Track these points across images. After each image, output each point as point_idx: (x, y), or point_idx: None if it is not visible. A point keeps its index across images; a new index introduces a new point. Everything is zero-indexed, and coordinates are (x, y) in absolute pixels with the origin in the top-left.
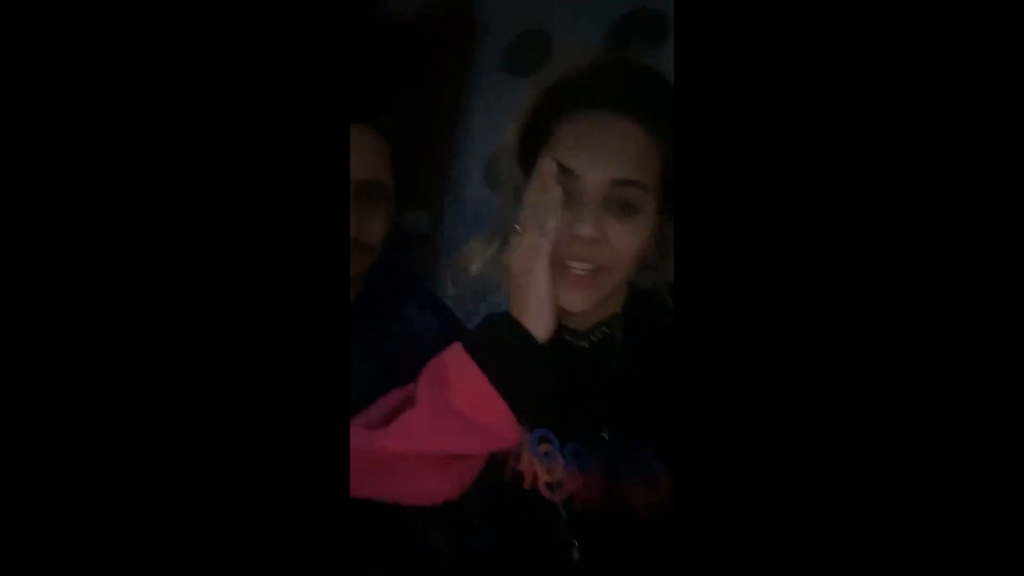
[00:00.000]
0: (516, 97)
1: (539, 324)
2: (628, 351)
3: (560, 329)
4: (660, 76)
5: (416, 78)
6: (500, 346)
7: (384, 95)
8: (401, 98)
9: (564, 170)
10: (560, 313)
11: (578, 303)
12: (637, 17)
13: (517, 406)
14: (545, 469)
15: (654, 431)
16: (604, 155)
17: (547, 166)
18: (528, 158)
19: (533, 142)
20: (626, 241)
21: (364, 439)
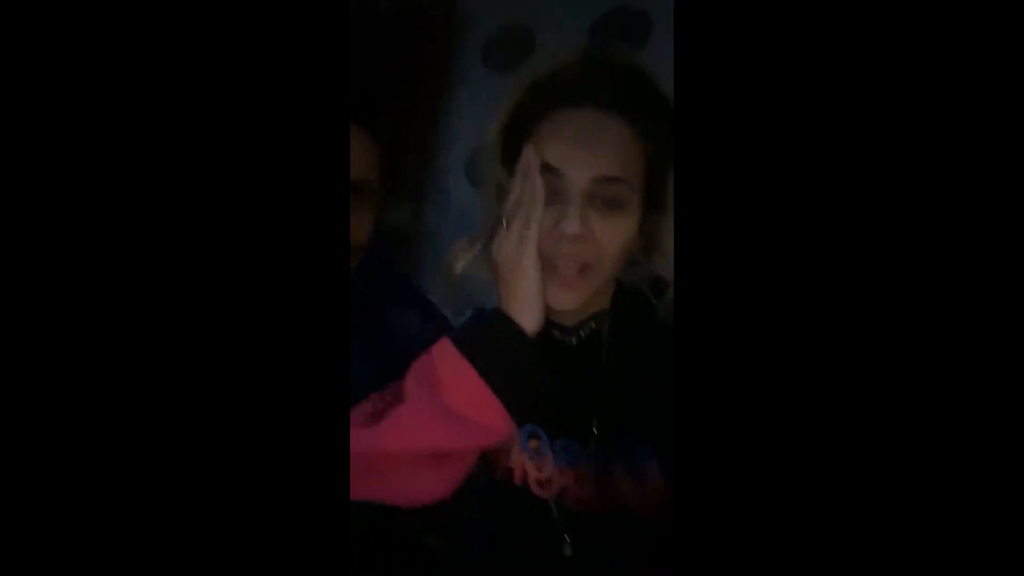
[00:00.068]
0: (498, 92)
1: (528, 318)
2: (616, 347)
3: (548, 325)
4: (643, 73)
5: (396, 72)
6: (489, 340)
7: (367, 91)
8: (382, 94)
9: (548, 168)
10: (548, 310)
11: (567, 301)
12: (619, 15)
13: (508, 400)
14: (535, 466)
15: (643, 426)
16: (587, 152)
17: (530, 156)
18: (511, 156)
19: (516, 140)
20: (612, 237)
21: (353, 438)
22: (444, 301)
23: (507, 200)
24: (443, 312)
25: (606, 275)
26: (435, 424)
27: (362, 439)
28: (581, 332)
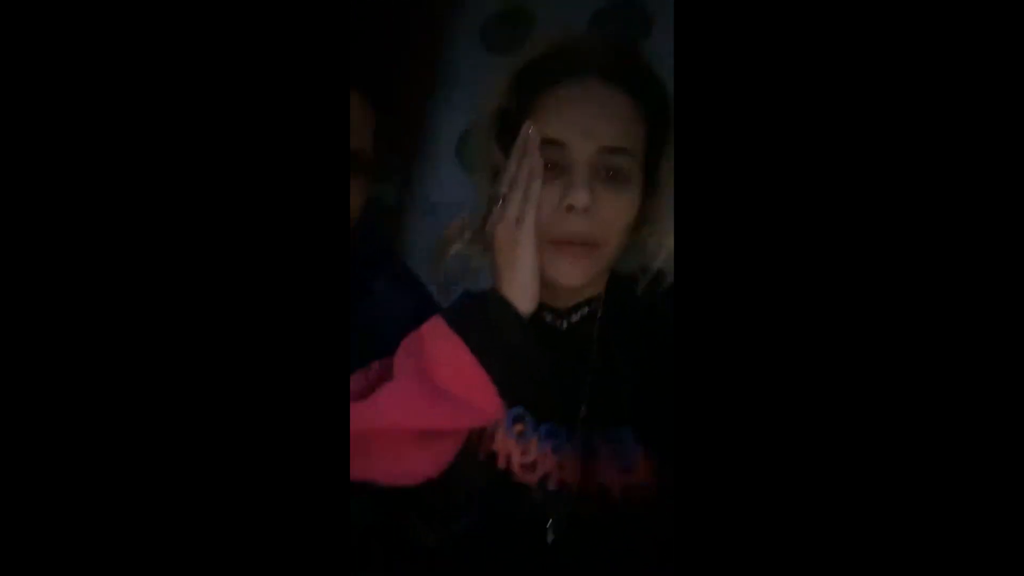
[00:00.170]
0: (494, 73)
1: (523, 298)
2: (607, 333)
3: (540, 307)
4: (643, 57)
5: (392, 44)
6: (483, 320)
7: (365, 58)
8: (379, 63)
9: (550, 142)
10: (542, 292)
11: (574, 276)
12: (621, 7)
13: (500, 381)
14: (519, 449)
15: (631, 413)
16: (593, 123)
17: (529, 132)
18: (507, 135)
19: (512, 119)
20: (616, 212)
21: None
22: (432, 280)
23: (502, 178)
24: (430, 290)
25: (611, 251)
26: (424, 402)
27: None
28: (573, 316)
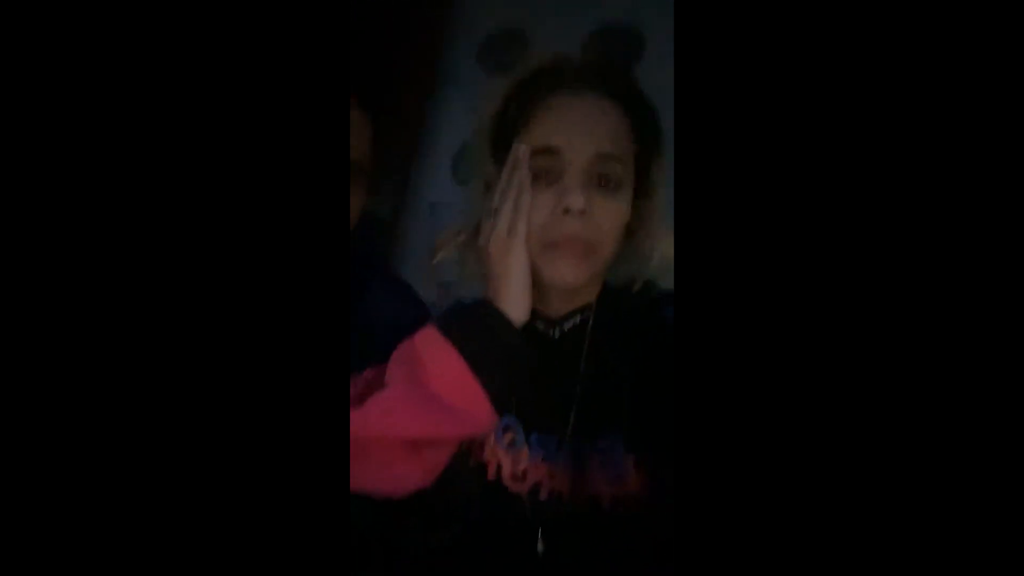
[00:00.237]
0: (489, 92)
1: (516, 308)
2: (599, 342)
3: (532, 316)
4: (632, 74)
5: (388, 62)
6: (476, 329)
7: (365, 71)
8: (379, 77)
9: (545, 149)
10: (534, 300)
11: (571, 277)
12: (615, 31)
13: (492, 390)
14: (510, 459)
15: (622, 422)
16: (586, 130)
17: (520, 151)
18: (502, 150)
19: (508, 133)
20: (610, 215)
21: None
22: (424, 291)
23: (494, 192)
24: (423, 300)
25: (605, 254)
26: (417, 411)
27: None
28: (565, 325)
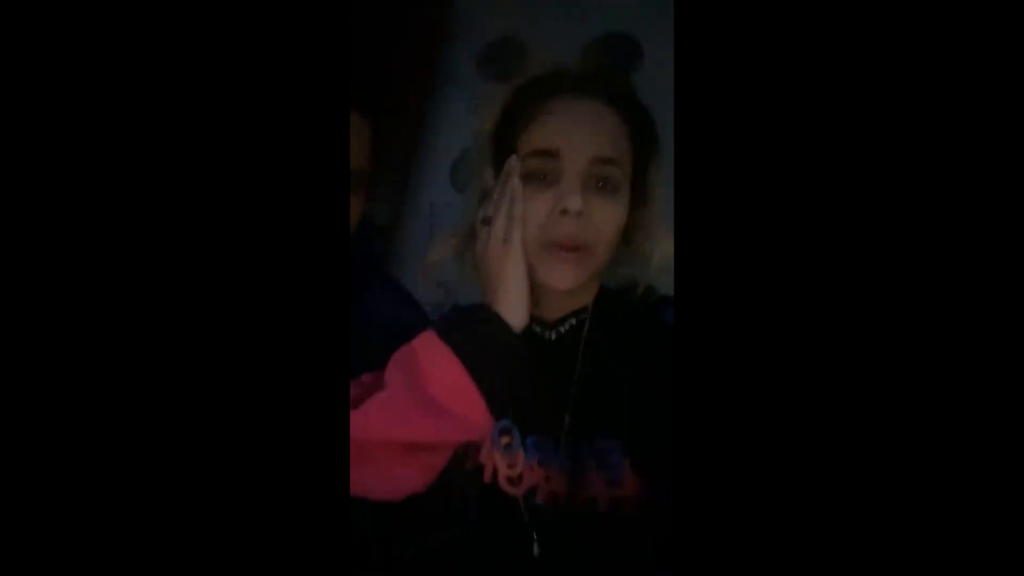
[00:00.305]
0: (488, 99)
1: (515, 313)
2: (594, 345)
3: (528, 319)
4: (630, 82)
5: (389, 66)
6: (475, 334)
7: (365, 79)
8: (379, 85)
9: (544, 152)
10: (532, 303)
11: (565, 280)
12: (613, 40)
13: (490, 396)
14: (506, 462)
15: (618, 426)
16: (586, 133)
17: (512, 162)
18: (501, 158)
19: (508, 138)
20: (606, 218)
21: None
22: (422, 294)
23: (489, 202)
24: (421, 304)
25: (600, 257)
26: (414, 415)
27: None
28: (561, 328)
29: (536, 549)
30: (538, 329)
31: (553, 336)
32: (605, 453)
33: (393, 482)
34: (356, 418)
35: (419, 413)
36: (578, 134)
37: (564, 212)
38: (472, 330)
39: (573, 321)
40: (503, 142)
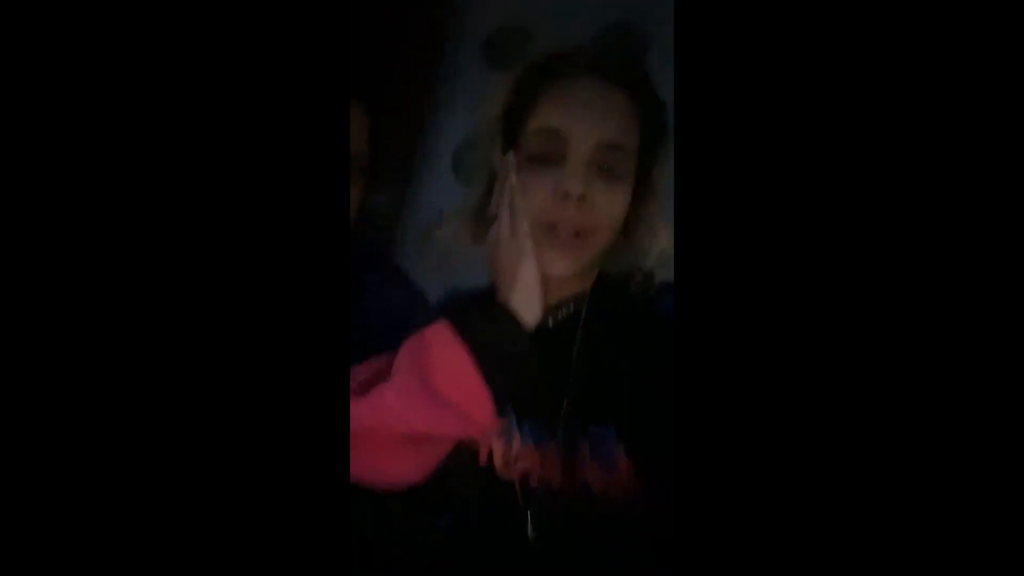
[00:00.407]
0: (493, 87)
1: (529, 311)
2: (592, 331)
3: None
4: (642, 64)
5: (391, 53)
6: (488, 329)
7: (362, 65)
8: (377, 70)
9: (551, 132)
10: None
11: (562, 267)
12: (618, 30)
13: (496, 393)
14: (501, 446)
15: (613, 412)
16: (593, 117)
17: (509, 159)
18: (509, 141)
19: (517, 120)
20: (610, 205)
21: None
22: (421, 279)
23: (493, 198)
24: (420, 288)
25: (599, 244)
26: (420, 407)
27: None
28: (559, 314)
29: (531, 531)
30: None
31: (550, 322)
32: (600, 438)
33: (391, 471)
34: (361, 405)
35: (425, 405)
36: (586, 116)
37: (566, 196)
38: (486, 327)
39: (571, 307)
40: (512, 123)
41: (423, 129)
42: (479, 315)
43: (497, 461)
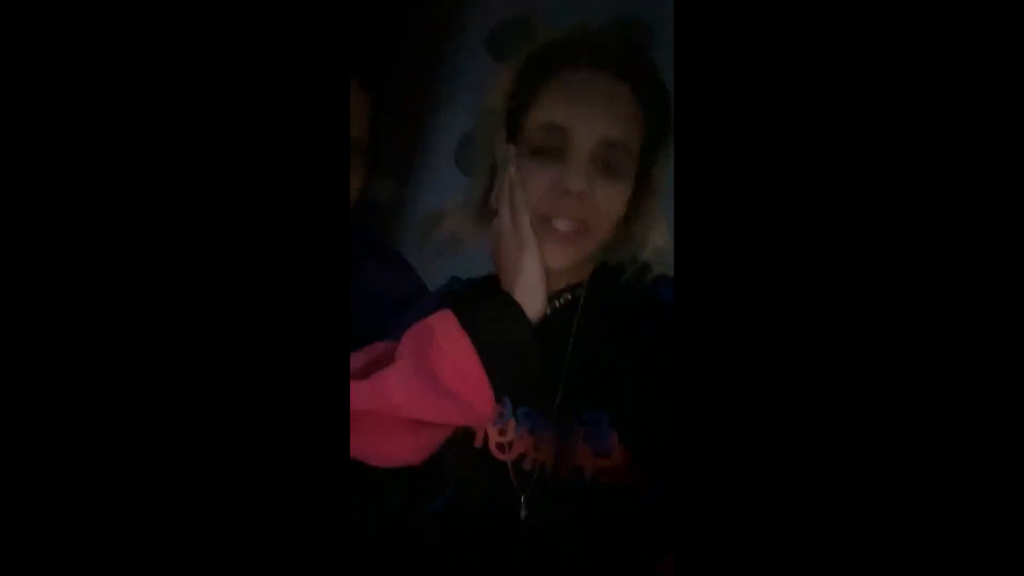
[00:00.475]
0: (497, 71)
1: (533, 304)
2: (588, 320)
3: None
4: (648, 51)
5: (394, 38)
6: (492, 324)
7: (364, 47)
8: (379, 54)
9: (553, 127)
10: None
11: (559, 260)
12: (622, 24)
13: (497, 384)
14: (497, 429)
15: (607, 400)
16: (596, 113)
17: (510, 152)
18: (512, 131)
19: (519, 111)
20: (610, 201)
21: None
22: (421, 267)
23: (493, 193)
24: (420, 276)
25: (598, 239)
26: (421, 394)
27: None
28: (556, 302)
29: (523, 512)
30: None
31: (548, 310)
32: (594, 425)
33: (390, 453)
34: (363, 388)
35: (426, 392)
36: (590, 112)
37: (566, 192)
38: (490, 318)
39: (568, 296)
40: (514, 115)
41: (425, 118)
42: (483, 305)
43: (492, 444)
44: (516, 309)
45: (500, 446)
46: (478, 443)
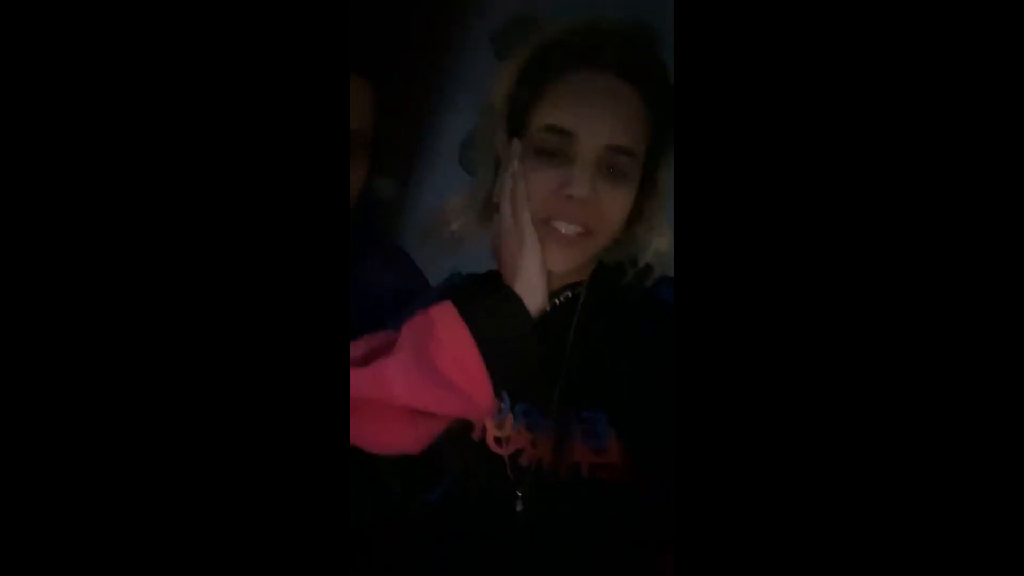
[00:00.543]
0: (501, 69)
1: (534, 296)
2: (588, 318)
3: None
4: (648, 40)
5: (394, 35)
6: (493, 316)
7: (367, 40)
8: (382, 48)
9: (559, 130)
10: None
11: (560, 263)
12: (634, 25)
13: (496, 376)
14: (495, 424)
15: (606, 398)
16: (602, 118)
17: (514, 146)
18: (515, 127)
19: (522, 109)
20: (614, 206)
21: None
22: (423, 261)
23: (495, 188)
24: (422, 270)
25: (602, 244)
26: (421, 384)
27: None
28: (557, 300)
29: (519, 505)
30: None
31: (548, 308)
32: (592, 424)
33: (389, 442)
34: (363, 376)
35: (426, 383)
36: (596, 116)
37: (570, 197)
38: (491, 311)
39: (568, 294)
40: (516, 113)
41: (429, 116)
42: (484, 298)
43: (489, 438)
44: (517, 303)
45: (497, 440)
46: (476, 435)
